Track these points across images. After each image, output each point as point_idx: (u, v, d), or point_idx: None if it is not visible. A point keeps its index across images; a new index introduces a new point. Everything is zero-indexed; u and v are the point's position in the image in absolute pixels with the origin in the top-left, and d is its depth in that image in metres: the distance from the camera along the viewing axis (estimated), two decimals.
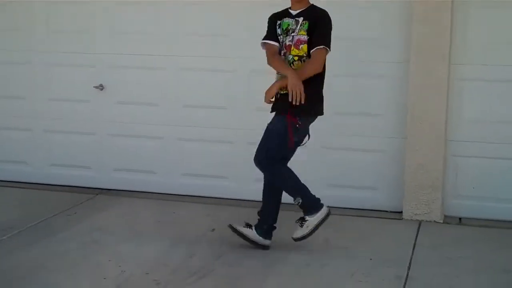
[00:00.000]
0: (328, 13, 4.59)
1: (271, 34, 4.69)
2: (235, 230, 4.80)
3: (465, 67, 5.35)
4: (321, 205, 4.58)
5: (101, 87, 6.17)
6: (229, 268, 4.48)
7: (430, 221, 5.38)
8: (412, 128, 5.38)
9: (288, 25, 4.62)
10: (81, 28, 6.17)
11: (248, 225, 4.82)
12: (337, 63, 5.04)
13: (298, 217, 4.60)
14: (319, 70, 4.50)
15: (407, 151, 5.42)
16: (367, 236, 5.09)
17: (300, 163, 5.03)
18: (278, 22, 4.67)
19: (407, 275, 4.34)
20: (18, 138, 6.48)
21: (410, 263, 4.52)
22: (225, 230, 5.14)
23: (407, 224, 5.37)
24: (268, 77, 4.69)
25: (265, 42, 4.69)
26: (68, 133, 6.35)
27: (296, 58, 4.55)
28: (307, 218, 4.55)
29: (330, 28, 4.57)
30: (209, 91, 5.95)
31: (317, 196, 4.64)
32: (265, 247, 4.76)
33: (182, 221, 5.46)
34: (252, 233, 4.77)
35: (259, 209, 4.85)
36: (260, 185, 5.75)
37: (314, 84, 4.51)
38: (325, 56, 4.52)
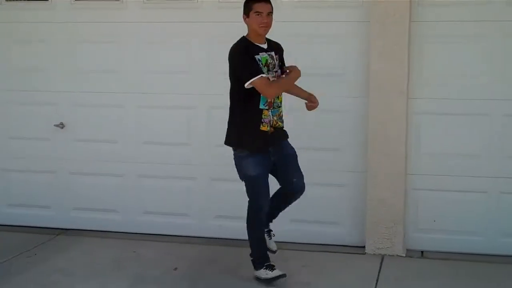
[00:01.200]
0: None
1: (259, 68, 4.55)
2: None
3: (423, 101, 5.42)
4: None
5: (61, 125, 6.11)
6: None
7: (393, 255, 5.39)
8: (372, 162, 5.42)
9: (267, 60, 4.64)
10: (41, 65, 6.11)
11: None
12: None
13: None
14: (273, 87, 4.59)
15: (368, 186, 5.45)
16: (330, 271, 5.07)
17: None
18: (257, 57, 4.60)
19: None
20: None
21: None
22: (188, 269, 5.11)
23: (369, 258, 5.37)
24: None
25: (262, 76, 4.51)
26: (27, 172, 6.25)
27: None
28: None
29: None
30: (170, 128, 5.93)
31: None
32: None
33: (143, 260, 5.39)
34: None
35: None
36: (221, 222, 5.77)
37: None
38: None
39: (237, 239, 5.71)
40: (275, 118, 4.69)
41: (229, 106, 4.73)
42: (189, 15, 5.79)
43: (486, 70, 5.33)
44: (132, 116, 5.99)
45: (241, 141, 4.67)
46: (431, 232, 5.52)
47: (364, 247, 5.50)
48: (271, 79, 4.61)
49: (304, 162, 5.51)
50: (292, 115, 5.18)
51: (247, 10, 4.62)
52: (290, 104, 5.08)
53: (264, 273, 4.75)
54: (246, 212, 4.87)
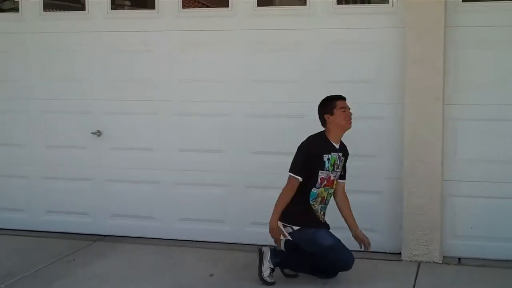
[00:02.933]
0: None
1: (305, 168, 4.78)
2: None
3: (459, 107, 5.40)
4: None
5: (98, 133, 6.19)
6: None
7: (429, 262, 5.36)
8: (408, 169, 5.40)
9: (335, 160, 4.84)
10: (78, 75, 6.20)
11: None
12: None
13: None
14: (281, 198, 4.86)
15: (404, 192, 5.43)
16: (366, 278, 5.06)
17: None
18: (327, 156, 4.83)
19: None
20: (14, 185, 6.47)
21: None
22: (224, 275, 5.14)
23: (406, 265, 5.35)
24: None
25: (294, 177, 4.79)
26: (65, 180, 6.34)
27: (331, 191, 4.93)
28: None
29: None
30: (205, 135, 5.97)
31: None
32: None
33: (180, 267, 5.43)
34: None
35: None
36: (256, 229, 5.79)
37: None
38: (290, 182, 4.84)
39: (272, 245, 5.75)
40: (321, 213, 4.94)
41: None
42: (223, 23, 5.84)
43: None
44: (167, 123, 6.05)
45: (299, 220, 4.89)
46: (468, 238, 5.49)
47: (400, 253, 5.49)
48: (332, 177, 4.87)
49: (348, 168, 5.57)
50: None
51: (330, 108, 4.87)
52: None
53: None
54: None
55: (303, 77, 5.70)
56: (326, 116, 4.85)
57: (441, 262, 5.41)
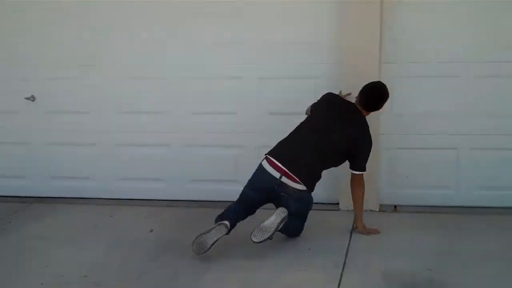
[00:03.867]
0: None
1: None
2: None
3: (395, 66, 5.47)
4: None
5: (32, 98, 6.08)
6: (165, 269, 4.46)
7: (366, 210, 5.44)
8: None
9: None
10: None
11: None
12: (273, 65, 5.44)
13: None
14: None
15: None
16: (305, 228, 5.13)
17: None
18: None
19: (345, 262, 4.41)
20: None
21: (347, 251, 4.60)
22: (164, 232, 5.15)
23: (344, 214, 5.45)
24: None
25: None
26: (1, 144, 6.23)
27: None
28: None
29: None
30: (143, 97, 5.94)
31: None
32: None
33: (119, 225, 5.42)
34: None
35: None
36: (195, 185, 5.80)
37: None
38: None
39: (212, 201, 5.80)
40: None
41: (323, 160, 4.81)
42: None
43: (456, 34, 5.38)
44: (106, 86, 5.97)
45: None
46: (404, 187, 5.62)
47: (338, 203, 5.59)
48: None
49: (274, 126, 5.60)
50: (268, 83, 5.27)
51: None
52: None
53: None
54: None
55: None
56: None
57: (377, 210, 5.54)
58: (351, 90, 5.28)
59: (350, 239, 4.85)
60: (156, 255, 4.67)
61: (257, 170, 4.82)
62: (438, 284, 4.02)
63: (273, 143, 4.94)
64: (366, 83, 4.97)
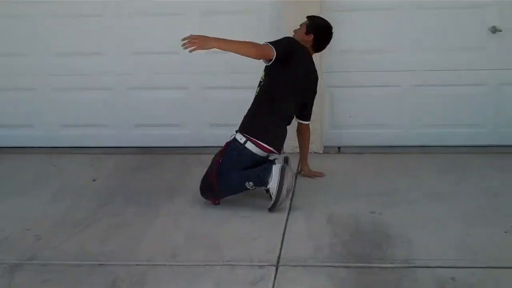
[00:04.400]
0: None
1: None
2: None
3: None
4: (269, 168, 4.32)
5: None
6: (113, 216, 4.42)
7: (311, 152, 5.47)
8: None
9: None
10: None
11: None
12: None
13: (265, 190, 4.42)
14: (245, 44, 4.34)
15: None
16: None
17: None
18: None
19: (290, 206, 4.44)
20: None
21: (292, 194, 4.61)
22: (109, 179, 5.10)
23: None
24: None
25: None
26: None
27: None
28: (268, 187, 4.32)
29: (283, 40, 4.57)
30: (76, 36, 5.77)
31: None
32: None
33: (64, 174, 5.34)
34: None
35: None
36: (140, 131, 5.72)
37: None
38: (265, 48, 4.37)
39: (159, 147, 5.75)
40: None
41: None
42: None
43: None
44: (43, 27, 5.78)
45: None
46: (347, 127, 5.68)
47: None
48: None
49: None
50: None
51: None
52: None
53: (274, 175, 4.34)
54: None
55: None
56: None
57: (322, 152, 5.59)
58: (292, 23, 5.17)
59: (294, 182, 4.86)
60: (101, 205, 4.62)
61: None
62: (381, 226, 4.09)
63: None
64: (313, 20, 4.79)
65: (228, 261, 3.71)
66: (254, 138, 4.41)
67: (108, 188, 4.94)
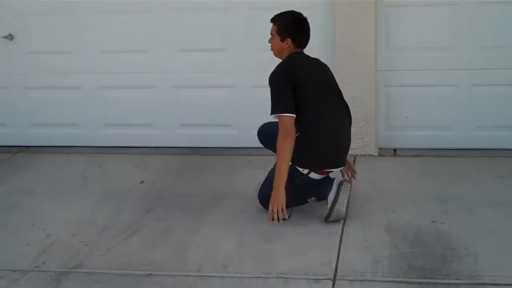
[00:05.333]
0: (282, 63, 4.10)
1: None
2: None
3: None
4: (331, 183, 4.09)
5: (10, 37, 5.74)
6: (159, 221, 4.26)
7: (365, 155, 5.28)
8: (341, 59, 5.20)
9: None
10: None
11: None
12: None
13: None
14: (283, 153, 3.95)
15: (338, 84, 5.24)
16: None
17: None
18: None
19: (346, 213, 4.20)
20: None
21: (348, 201, 4.37)
22: (155, 182, 4.95)
23: None
24: None
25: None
26: None
27: None
28: (327, 198, 4.09)
29: (276, 88, 3.99)
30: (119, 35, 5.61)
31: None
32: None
33: (109, 175, 5.20)
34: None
35: None
36: (185, 131, 5.51)
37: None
38: (285, 123, 3.93)
39: (204, 147, 5.58)
40: None
41: None
42: None
43: None
44: (86, 24, 5.64)
45: None
46: (403, 129, 5.41)
47: None
48: None
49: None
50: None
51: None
52: None
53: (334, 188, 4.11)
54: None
55: None
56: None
57: (377, 154, 5.33)
58: (345, 20, 5.05)
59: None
60: (148, 209, 4.46)
61: None
62: (445, 237, 3.83)
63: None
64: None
65: (281, 273, 3.50)
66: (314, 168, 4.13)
67: (154, 191, 4.78)
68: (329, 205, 4.06)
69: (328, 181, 4.13)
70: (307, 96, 4.02)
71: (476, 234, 3.86)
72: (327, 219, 4.08)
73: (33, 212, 4.51)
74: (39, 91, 5.84)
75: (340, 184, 4.07)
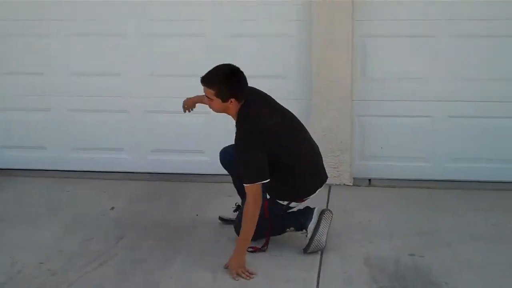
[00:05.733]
0: (248, 124, 3.85)
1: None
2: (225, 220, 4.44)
3: (368, 23, 5.14)
4: (310, 212, 4.03)
5: None
6: (131, 250, 4.13)
7: (340, 185, 5.21)
8: (317, 88, 5.16)
9: None
10: None
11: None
12: (237, 23, 5.07)
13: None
14: (251, 220, 3.76)
15: (312, 114, 5.20)
16: None
17: None
18: None
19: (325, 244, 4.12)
20: None
21: None
22: (125, 208, 4.82)
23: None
24: None
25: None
26: None
27: None
28: (307, 228, 4.01)
29: (251, 154, 3.78)
30: (100, 59, 5.49)
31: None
32: None
33: (78, 200, 5.06)
34: None
35: None
36: (156, 156, 5.42)
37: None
38: (258, 189, 3.74)
39: (176, 173, 5.47)
40: None
41: None
42: None
43: None
44: (57, 47, 5.52)
45: None
46: (378, 159, 5.35)
47: None
48: None
49: None
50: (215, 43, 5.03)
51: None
52: None
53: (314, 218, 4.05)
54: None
55: None
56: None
57: (351, 184, 5.28)
58: (321, 48, 5.02)
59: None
60: (119, 237, 4.32)
61: None
62: (425, 271, 3.77)
63: None
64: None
65: None
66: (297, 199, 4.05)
67: (124, 218, 4.65)
68: (309, 235, 3.97)
69: (308, 211, 4.06)
70: (282, 148, 3.87)
71: (456, 268, 3.82)
72: (306, 250, 3.99)
73: (0, 238, 4.34)
74: (8, 113, 5.68)
75: (322, 213, 4.00)
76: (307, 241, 3.98)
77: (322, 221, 3.97)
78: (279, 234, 4.12)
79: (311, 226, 3.96)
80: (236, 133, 3.84)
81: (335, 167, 5.21)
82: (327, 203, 4.85)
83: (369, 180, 5.35)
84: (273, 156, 3.80)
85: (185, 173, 5.50)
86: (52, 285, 3.68)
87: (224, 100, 3.83)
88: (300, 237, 4.05)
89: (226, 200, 4.72)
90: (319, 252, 4.01)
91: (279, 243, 4.11)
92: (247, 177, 3.75)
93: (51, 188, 5.32)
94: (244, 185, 3.76)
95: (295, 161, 3.93)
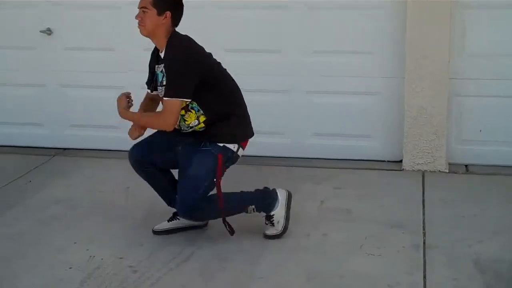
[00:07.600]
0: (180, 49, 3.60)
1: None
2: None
3: None
4: (275, 193, 3.83)
5: (48, 32, 5.33)
6: (216, 246, 3.80)
7: (434, 171, 4.80)
8: (411, 65, 4.73)
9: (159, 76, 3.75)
10: None
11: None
12: None
13: (264, 217, 3.83)
14: (163, 126, 3.66)
15: (406, 93, 4.77)
16: (367, 193, 4.47)
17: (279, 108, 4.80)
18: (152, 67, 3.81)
19: (424, 242, 3.74)
20: None
21: (424, 227, 3.91)
22: None
23: (409, 175, 4.78)
24: None
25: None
26: (14, 86, 5.52)
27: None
28: (272, 213, 3.80)
29: (180, 71, 3.55)
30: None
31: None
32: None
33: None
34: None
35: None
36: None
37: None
38: (175, 107, 3.54)
39: None
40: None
41: None
42: None
43: None
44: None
45: None
46: (477, 143, 4.91)
47: (401, 161, 4.90)
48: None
49: (333, 66, 4.90)
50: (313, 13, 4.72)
51: None
52: None
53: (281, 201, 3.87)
54: None
55: None
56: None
57: (447, 171, 4.84)
58: (417, 22, 4.63)
59: (423, 211, 4.16)
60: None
61: None
62: None
63: None
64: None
65: None
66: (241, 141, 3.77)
67: None
68: (280, 226, 3.79)
69: (271, 192, 3.84)
70: (217, 81, 3.69)
71: None
72: (271, 238, 3.80)
73: (74, 228, 4.10)
74: (76, 89, 5.46)
75: (289, 198, 3.85)
76: (281, 229, 3.80)
77: (287, 206, 3.82)
78: (239, 212, 3.78)
79: (280, 212, 3.79)
80: (165, 60, 3.60)
81: (429, 152, 4.81)
82: (423, 192, 4.44)
83: (466, 166, 4.92)
84: (209, 86, 3.62)
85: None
86: (134, 284, 3.40)
87: (160, 12, 3.56)
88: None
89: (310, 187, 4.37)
90: (421, 251, 3.62)
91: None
92: (168, 90, 3.56)
93: (126, 171, 4.96)
94: (164, 98, 3.57)
95: (235, 98, 3.78)
